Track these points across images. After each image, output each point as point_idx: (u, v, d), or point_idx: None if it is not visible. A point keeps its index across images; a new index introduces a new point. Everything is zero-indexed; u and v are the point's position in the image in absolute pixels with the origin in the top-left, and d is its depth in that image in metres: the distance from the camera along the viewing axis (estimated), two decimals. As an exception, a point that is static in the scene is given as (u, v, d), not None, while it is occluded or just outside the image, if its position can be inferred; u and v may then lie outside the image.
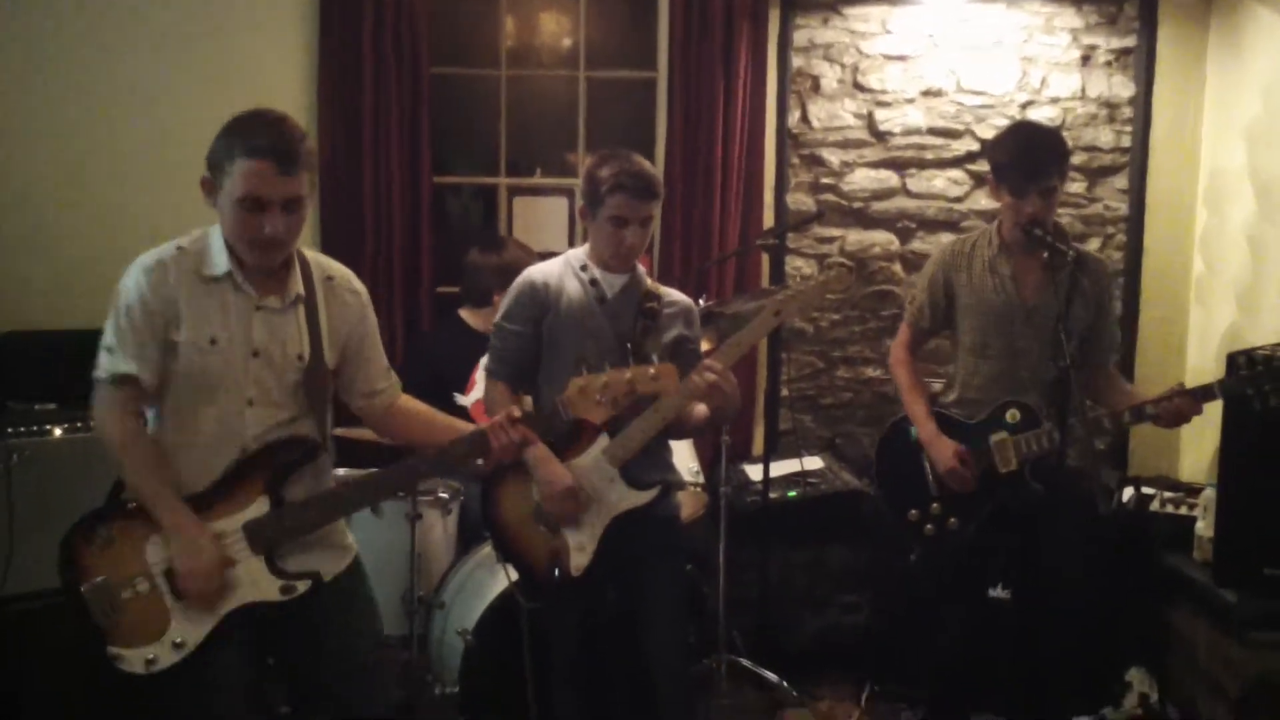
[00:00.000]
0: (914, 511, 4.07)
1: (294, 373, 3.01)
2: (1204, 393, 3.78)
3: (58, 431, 4.37)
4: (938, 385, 4.30)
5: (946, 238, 4.33)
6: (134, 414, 2.92)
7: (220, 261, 2.93)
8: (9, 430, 4.31)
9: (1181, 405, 3.77)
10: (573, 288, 3.60)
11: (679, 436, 3.93)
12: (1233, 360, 3.80)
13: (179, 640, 2.87)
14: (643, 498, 3.52)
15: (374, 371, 3.22)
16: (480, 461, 3.11)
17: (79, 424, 4.36)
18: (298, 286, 3.02)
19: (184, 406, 2.93)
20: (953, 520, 4.02)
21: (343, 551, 3.17)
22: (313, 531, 3.03)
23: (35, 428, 4.36)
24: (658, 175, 3.57)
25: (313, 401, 3.05)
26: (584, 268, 3.63)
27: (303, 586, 2.97)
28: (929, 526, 4.05)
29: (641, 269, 3.70)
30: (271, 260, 2.95)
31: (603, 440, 3.48)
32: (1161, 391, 3.85)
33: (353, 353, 3.15)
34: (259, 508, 2.95)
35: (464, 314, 4.97)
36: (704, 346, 4.38)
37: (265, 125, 2.86)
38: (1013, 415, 3.94)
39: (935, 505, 4.04)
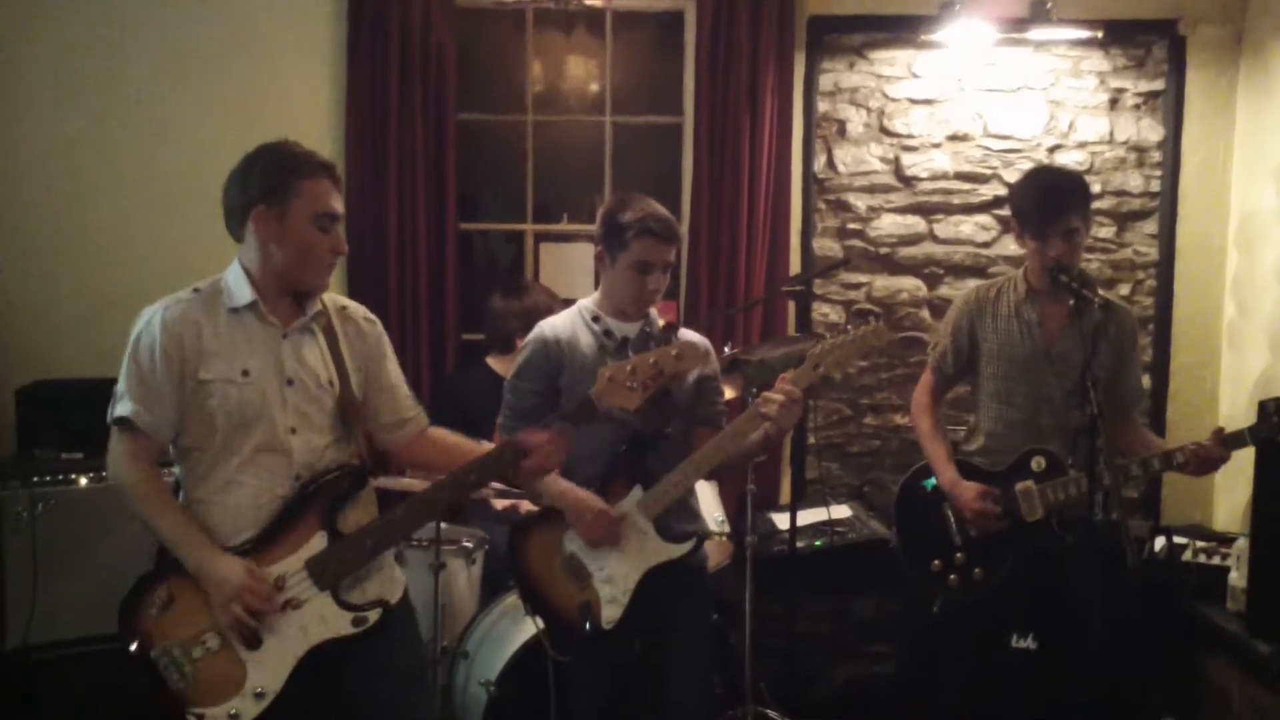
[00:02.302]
0: (937, 562, 4.02)
1: (329, 399, 3.01)
2: (1234, 439, 3.72)
3: (83, 480, 4.39)
4: (960, 432, 4.24)
5: (974, 283, 4.28)
6: (146, 457, 2.90)
7: (243, 293, 2.94)
8: (34, 479, 4.33)
9: (1210, 451, 3.72)
10: (586, 341, 3.54)
11: (714, 477, 3.87)
12: (1264, 407, 3.75)
13: (259, 690, 2.85)
14: (677, 550, 3.46)
15: (399, 399, 3.22)
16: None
17: (104, 473, 4.35)
18: (316, 305, 3.04)
19: (228, 446, 2.91)
20: (978, 571, 3.96)
21: (396, 579, 3.16)
22: (372, 560, 3.02)
23: (60, 476, 4.38)
24: (675, 218, 3.53)
25: (350, 429, 3.06)
26: (595, 319, 3.57)
27: (374, 616, 2.96)
28: (953, 577, 3.99)
29: (654, 312, 3.65)
30: (329, 278, 3.02)
31: (636, 493, 3.44)
32: (1194, 439, 3.80)
33: (372, 381, 3.15)
34: (318, 543, 2.93)
35: (491, 361, 4.97)
36: (728, 394, 4.36)
37: (307, 151, 2.96)
38: (1038, 463, 3.89)
39: (959, 555, 3.99)
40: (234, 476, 2.92)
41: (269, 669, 2.87)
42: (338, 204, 2.97)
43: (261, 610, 2.84)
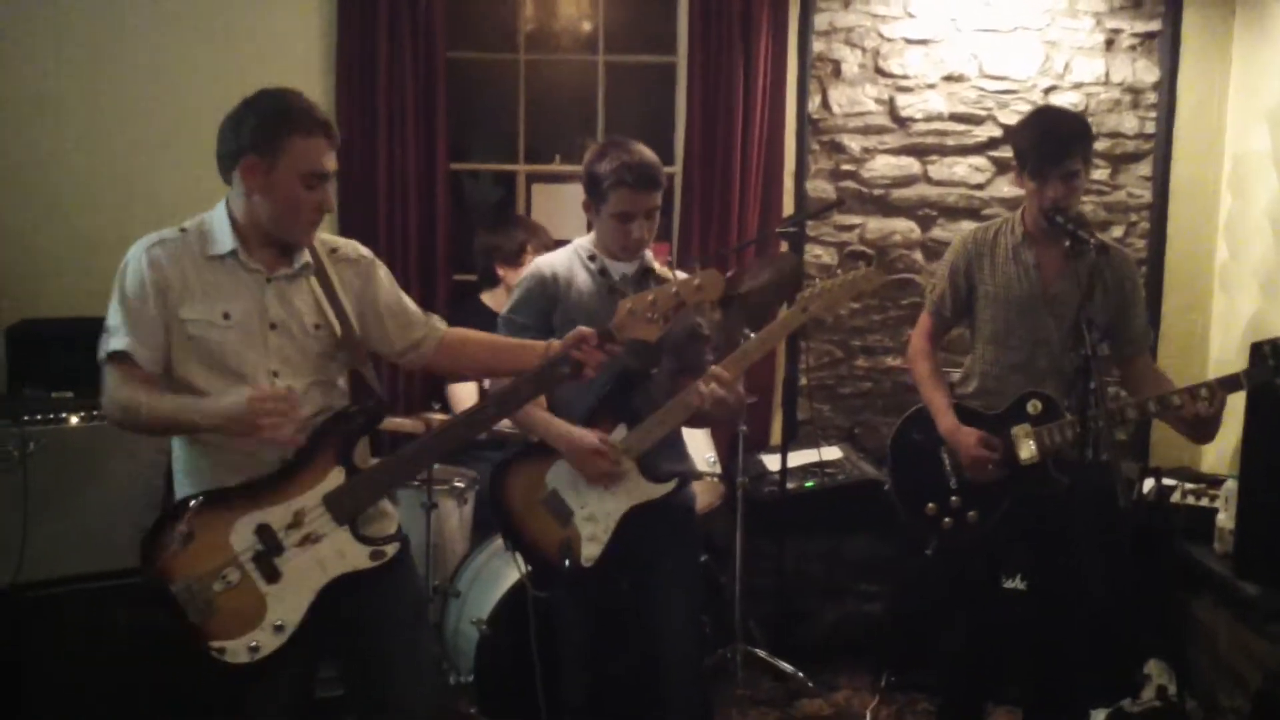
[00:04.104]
0: (931, 505, 4.01)
1: (315, 343, 3.01)
2: (1230, 383, 3.71)
3: (74, 419, 4.37)
4: (955, 375, 4.23)
5: (968, 225, 4.27)
6: (139, 379, 2.84)
7: (225, 241, 2.93)
8: (25, 418, 4.31)
9: (1206, 399, 3.67)
10: (582, 279, 3.55)
11: (702, 425, 3.88)
12: (1257, 349, 3.74)
13: (279, 623, 2.87)
14: (659, 490, 3.48)
15: (406, 322, 3.20)
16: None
17: (95, 412, 4.35)
18: (305, 256, 3.02)
19: (210, 388, 2.89)
20: (972, 514, 3.96)
21: (390, 516, 3.16)
22: (388, 493, 3.07)
23: (51, 415, 4.36)
24: (659, 162, 3.49)
25: (355, 370, 3.06)
26: (592, 257, 3.58)
27: (391, 550, 2.99)
28: (947, 520, 3.99)
29: (649, 254, 3.65)
30: (313, 234, 2.99)
31: (620, 432, 3.45)
32: (1185, 380, 3.79)
33: (371, 313, 3.14)
34: (335, 478, 2.94)
35: (484, 297, 4.97)
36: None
37: (307, 104, 2.92)
38: (1034, 406, 3.88)
39: (954, 499, 3.99)
40: None
41: (288, 602, 2.88)
42: (329, 163, 2.94)
43: (286, 411, 2.75)
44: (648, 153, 3.46)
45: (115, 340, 2.86)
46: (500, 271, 4.84)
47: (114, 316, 2.87)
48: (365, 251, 3.19)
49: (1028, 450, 3.85)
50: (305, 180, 2.88)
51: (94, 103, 5.36)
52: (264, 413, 2.73)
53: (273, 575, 2.88)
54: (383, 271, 3.20)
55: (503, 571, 4.25)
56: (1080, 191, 3.89)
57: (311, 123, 2.90)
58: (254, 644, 2.85)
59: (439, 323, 3.27)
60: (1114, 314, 3.92)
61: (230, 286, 2.92)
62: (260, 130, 2.86)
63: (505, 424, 3.95)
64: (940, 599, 4.42)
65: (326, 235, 3.16)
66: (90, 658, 4.20)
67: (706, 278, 3.08)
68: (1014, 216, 4.06)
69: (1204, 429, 3.74)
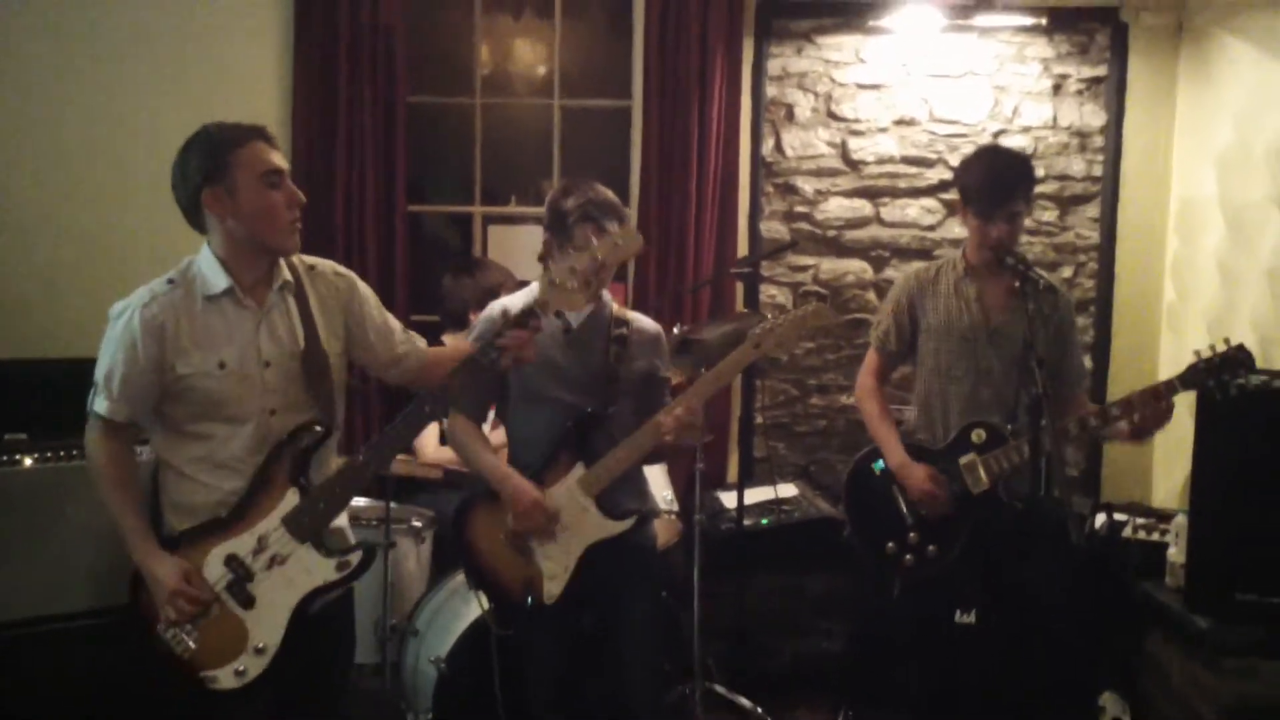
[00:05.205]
0: (891, 544, 4.05)
1: (299, 366, 3.04)
2: (1166, 388, 3.75)
3: (28, 461, 4.33)
4: (909, 414, 4.28)
5: (920, 266, 4.33)
6: (119, 443, 2.99)
7: (219, 280, 2.96)
8: (-23, 461, 4.29)
9: (1149, 400, 3.73)
10: None
11: (658, 461, 3.89)
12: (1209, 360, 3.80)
13: (260, 645, 2.94)
14: (617, 527, 3.50)
15: (389, 340, 3.24)
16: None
17: (49, 454, 4.32)
18: (284, 274, 3.06)
19: (209, 432, 2.96)
20: (932, 548, 4.00)
21: (348, 534, 3.22)
22: (344, 505, 3.11)
23: (5, 458, 4.33)
24: (621, 203, 3.53)
25: (314, 388, 3.07)
26: None
27: (355, 558, 3.03)
28: (908, 557, 4.03)
29: (606, 294, 3.68)
30: (297, 236, 3.02)
31: (578, 470, 3.47)
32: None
33: (358, 327, 3.19)
34: (291, 499, 2.98)
35: (447, 339, 4.97)
36: (677, 379, 4.38)
37: (229, 123, 2.97)
38: (978, 435, 3.94)
39: (913, 535, 4.03)
40: (213, 456, 2.98)
41: (266, 624, 2.95)
42: (279, 160, 2.98)
43: (195, 611, 2.92)
44: (610, 193, 3.49)
45: (98, 402, 2.96)
46: (473, 317, 4.84)
47: (102, 374, 2.95)
48: (344, 270, 3.24)
49: (977, 478, 3.91)
50: (265, 181, 2.93)
51: (52, 147, 5.36)
52: (176, 607, 2.89)
53: (248, 601, 2.95)
54: (364, 288, 3.25)
55: (461, 610, 4.23)
56: (1021, 230, 3.97)
57: (243, 132, 2.96)
58: (240, 668, 2.94)
59: (421, 342, 3.33)
60: (1055, 354, 3.97)
61: (224, 331, 2.97)
62: (203, 162, 2.91)
63: (460, 464, 4.01)
64: (904, 638, 4.44)
65: (304, 255, 3.18)
66: (49, 700, 4.16)
67: (625, 234, 3.08)
68: (955, 255, 4.13)
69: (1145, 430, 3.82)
